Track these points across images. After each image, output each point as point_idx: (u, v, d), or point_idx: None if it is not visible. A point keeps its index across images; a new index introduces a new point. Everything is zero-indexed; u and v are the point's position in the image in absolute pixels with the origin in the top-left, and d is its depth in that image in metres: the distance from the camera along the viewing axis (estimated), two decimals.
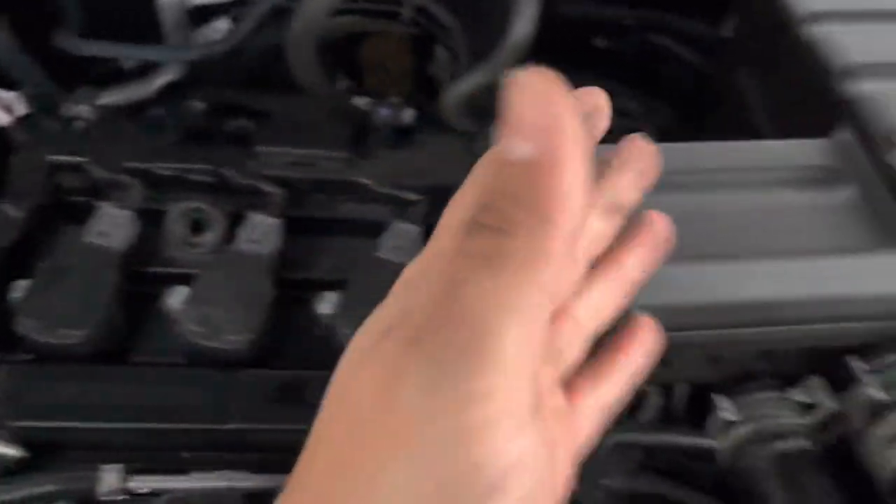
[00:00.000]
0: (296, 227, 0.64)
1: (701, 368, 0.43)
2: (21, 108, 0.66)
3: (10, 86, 0.70)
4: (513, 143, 0.25)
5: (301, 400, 0.57)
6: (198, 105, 0.76)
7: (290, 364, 0.60)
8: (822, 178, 0.43)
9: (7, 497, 0.48)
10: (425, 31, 0.84)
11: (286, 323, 0.62)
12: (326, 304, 0.61)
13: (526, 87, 0.25)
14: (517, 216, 0.25)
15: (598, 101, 0.31)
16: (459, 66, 0.76)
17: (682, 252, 0.40)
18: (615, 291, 0.31)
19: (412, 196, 0.65)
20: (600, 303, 0.31)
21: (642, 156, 0.32)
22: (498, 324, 0.24)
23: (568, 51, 0.90)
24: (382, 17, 0.86)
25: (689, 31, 0.88)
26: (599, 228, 0.31)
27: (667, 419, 0.61)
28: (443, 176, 0.67)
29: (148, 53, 0.82)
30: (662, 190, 0.42)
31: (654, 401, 0.60)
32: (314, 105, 0.71)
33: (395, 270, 0.63)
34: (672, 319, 0.40)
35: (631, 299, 0.31)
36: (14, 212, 0.59)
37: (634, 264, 0.32)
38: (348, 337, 0.59)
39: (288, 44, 0.67)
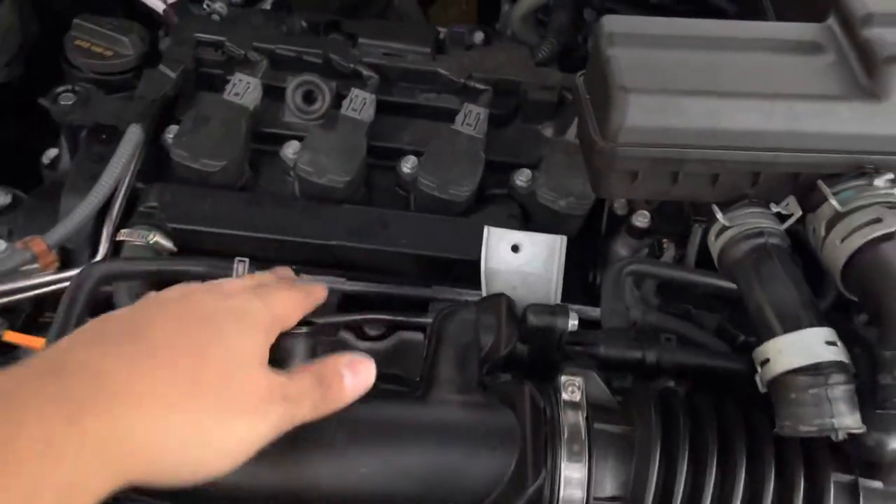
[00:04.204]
0: (384, 110, 0.79)
1: (703, 187, 0.56)
2: None
3: None
4: None
5: (385, 230, 0.71)
6: (300, 21, 0.91)
7: (378, 206, 0.75)
8: (811, 48, 0.56)
9: (170, 267, 0.64)
10: None
11: (376, 179, 0.77)
12: (408, 164, 0.75)
13: None
14: None
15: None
16: None
17: (695, 88, 0.53)
18: None
19: (481, 86, 0.79)
20: None
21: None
22: None
23: (616, 1, 1.03)
24: None
25: None
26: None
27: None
28: (507, 73, 0.81)
29: None
30: (691, 46, 0.55)
31: (671, 252, 0.73)
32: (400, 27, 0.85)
33: (466, 140, 0.78)
34: (683, 138, 0.54)
35: None
36: (169, 73, 0.74)
37: None
38: (427, 187, 0.74)
39: None
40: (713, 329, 0.73)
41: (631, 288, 0.72)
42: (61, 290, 0.64)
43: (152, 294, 0.48)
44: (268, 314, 0.48)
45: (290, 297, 0.51)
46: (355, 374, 0.50)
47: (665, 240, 0.73)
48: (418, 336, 0.73)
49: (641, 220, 0.75)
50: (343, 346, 0.71)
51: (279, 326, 0.49)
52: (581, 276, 0.77)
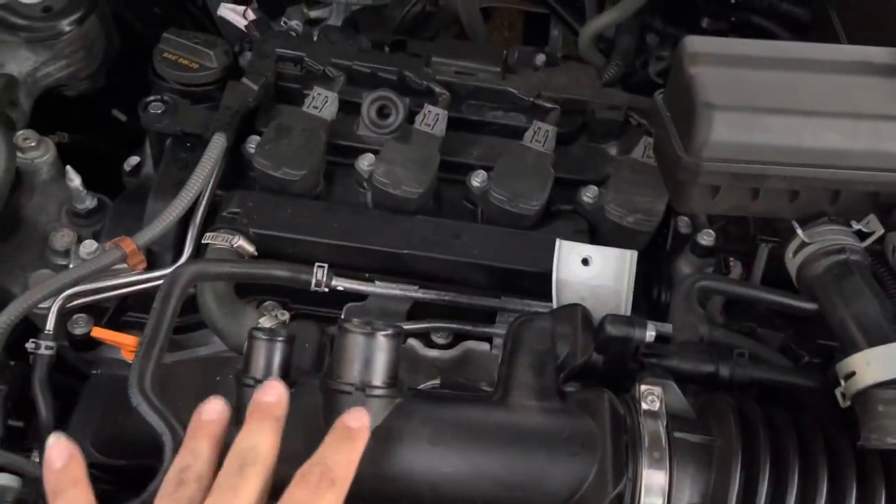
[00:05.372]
0: (453, 126, 0.81)
1: (782, 203, 0.57)
2: (251, 15, 0.86)
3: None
4: None
5: (458, 241, 0.73)
6: (366, 40, 0.94)
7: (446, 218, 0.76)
8: (889, 70, 0.57)
9: (256, 270, 0.66)
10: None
11: (444, 193, 0.79)
12: (478, 178, 0.77)
13: None
14: None
15: None
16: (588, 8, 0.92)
17: (778, 106, 0.55)
18: None
19: (549, 105, 0.81)
20: None
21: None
22: None
23: (677, 26, 1.05)
24: None
25: (783, 11, 1.01)
26: None
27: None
28: (575, 93, 0.83)
29: None
30: (772, 66, 0.57)
31: (738, 270, 0.74)
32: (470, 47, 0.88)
33: (535, 156, 0.79)
34: (765, 155, 0.55)
35: None
36: (252, 85, 0.77)
37: None
38: (498, 200, 0.75)
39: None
40: (777, 348, 0.74)
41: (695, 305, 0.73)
42: (149, 290, 0.67)
43: None
44: None
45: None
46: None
47: (731, 259, 0.74)
48: (484, 346, 0.74)
49: (706, 238, 0.76)
50: (411, 354, 0.73)
51: None
52: (645, 292, 0.78)
